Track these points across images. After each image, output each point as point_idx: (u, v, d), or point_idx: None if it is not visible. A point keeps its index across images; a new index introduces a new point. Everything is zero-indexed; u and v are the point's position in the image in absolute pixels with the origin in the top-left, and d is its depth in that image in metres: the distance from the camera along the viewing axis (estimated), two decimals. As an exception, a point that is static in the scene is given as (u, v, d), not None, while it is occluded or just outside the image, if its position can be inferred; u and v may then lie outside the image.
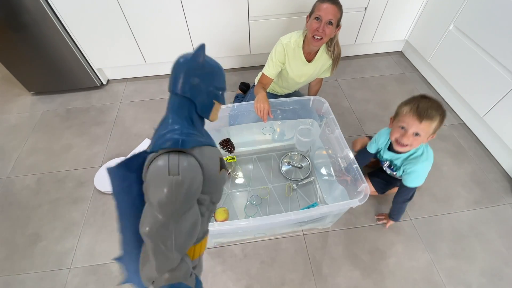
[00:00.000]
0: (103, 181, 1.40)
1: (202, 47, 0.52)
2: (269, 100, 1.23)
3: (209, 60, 0.55)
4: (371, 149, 1.20)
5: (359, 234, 1.24)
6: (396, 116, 1.01)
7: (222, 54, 1.90)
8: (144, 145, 1.56)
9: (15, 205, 1.36)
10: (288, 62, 1.29)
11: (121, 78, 2.01)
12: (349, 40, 1.96)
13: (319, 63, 1.30)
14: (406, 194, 1.10)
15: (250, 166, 1.46)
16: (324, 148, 1.35)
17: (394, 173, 1.15)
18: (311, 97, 1.27)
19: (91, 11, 1.54)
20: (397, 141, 0.99)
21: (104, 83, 1.95)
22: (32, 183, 1.44)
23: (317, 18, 1.10)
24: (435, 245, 1.21)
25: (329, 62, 1.30)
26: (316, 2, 1.13)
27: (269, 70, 1.29)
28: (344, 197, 1.13)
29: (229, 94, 1.87)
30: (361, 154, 1.28)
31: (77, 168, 1.50)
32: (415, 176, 1.04)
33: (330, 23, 1.10)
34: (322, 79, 1.46)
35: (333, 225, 1.26)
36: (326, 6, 1.09)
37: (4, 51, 1.61)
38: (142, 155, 0.51)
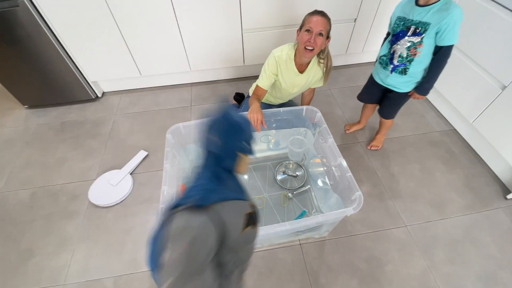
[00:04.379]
0: (97, 195, 1.39)
1: (224, 106, 0.54)
2: (263, 110, 1.25)
3: (229, 117, 0.54)
4: (390, 28, 1.21)
5: (356, 242, 1.24)
6: None
7: (216, 65, 1.93)
8: (139, 156, 1.55)
9: (8, 220, 1.34)
10: (281, 74, 1.31)
11: (116, 90, 2.02)
12: (341, 50, 2.00)
13: (310, 74, 1.33)
14: (445, 56, 1.07)
15: (245, 176, 1.46)
16: (318, 157, 1.36)
17: (420, 37, 1.07)
18: (304, 107, 1.29)
19: (86, 25, 1.56)
20: None
21: (99, 95, 1.96)
22: (26, 197, 1.42)
23: (307, 30, 1.14)
24: (431, 251, 1.22)
25: (320, 73, 1.33)
26: (306, 15, 1.17)
27: (263, 82, 1.31)
28: (339, 205, 1.13)
29: (224, 105, 1.89)
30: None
31: (71, 181, 1.48)
32: (452, 27, 1.00)
33: (320, 34, 1.14)
34: (315, 88, 1.49)
35: (330, 233, 1.26)
36: (316, 18, 1.13)
37: (-2, 65, 1.62)
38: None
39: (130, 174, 1.49)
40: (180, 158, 1.22)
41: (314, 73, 1.33)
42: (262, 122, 1.21)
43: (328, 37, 1.19)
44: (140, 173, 1.51)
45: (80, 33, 1.59)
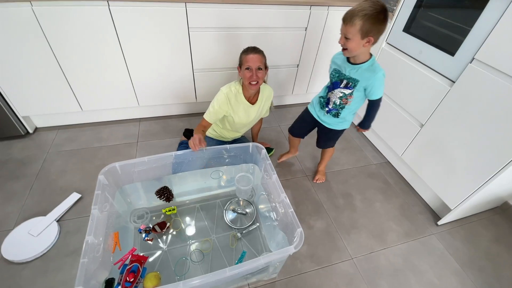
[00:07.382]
0: (12, 248, 1.17)
1: None
2: (211, 147, 1.26)
3: None
4: (330, 69, 1.31)
5: (306, 281, 1.21)
6: None
7: (168, 101, 1.92)
8: (70, 200, 1.38)
9: None
10: (232, 109, 1.37)
11: (52, 125, 1.85)
12: (288, 91, 2.17)
13: (261, 102, 1.46)
14: (377, 105, 1.24)
15: (193, 217, 1.39)
16: (264, 194, 1.37)
17: (350, 90, 1.20)
18: (250, 144, 1.32)
19: (18, 54, 1.44)
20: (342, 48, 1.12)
21: (31, 131, 1.76)
22: None
23: (248, 68, 1.26)
24: (376, 282, 1.24)
25: (269, 102, 1.49)
26: (242, 54, 1.30)
27: (210, 116, 1.36)
28: (286, 242, 1.12)
29: (173, 140, 1.84)
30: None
31: (-22, 234, 1.24)
32: (377, 86, 1.16)
33: (259, 68, 1.28)
34: (262, 118, 1.64)
35: (280, 273, 1.22)
36: (251, 56, 1.26)
37: None
38: None
39: (57, 221, 1.30)
40: (116, 201, 1.11)
41: (265, 101, 1.47)
42: (199, 141, 1.19)
43: (266, 67, 1.33)
44: (70, 219, 1.33)
45: (12, 63, 1.45)
